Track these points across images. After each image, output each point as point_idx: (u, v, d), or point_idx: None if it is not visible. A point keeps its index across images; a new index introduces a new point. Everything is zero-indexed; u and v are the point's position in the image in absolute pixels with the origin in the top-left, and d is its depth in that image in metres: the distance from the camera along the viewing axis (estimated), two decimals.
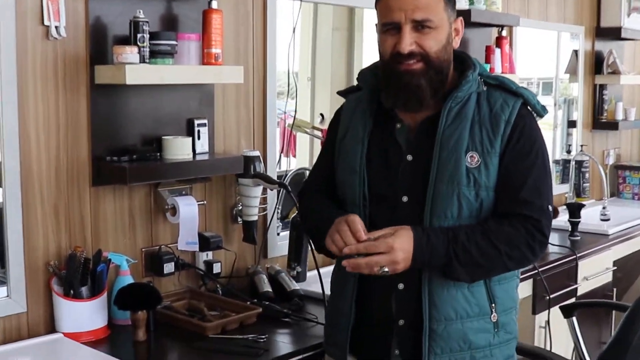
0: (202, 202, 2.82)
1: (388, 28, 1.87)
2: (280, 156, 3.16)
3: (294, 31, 3.07)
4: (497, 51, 4.04)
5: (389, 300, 1.93)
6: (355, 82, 2.11)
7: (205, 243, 2.78)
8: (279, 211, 3.13)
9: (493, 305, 1.90)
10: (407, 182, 1.89)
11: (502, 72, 4.06)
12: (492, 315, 1.91)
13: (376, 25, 1.99)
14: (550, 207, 1.88)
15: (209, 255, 2.85)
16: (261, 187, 2.88)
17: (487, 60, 3.98)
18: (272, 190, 2.97)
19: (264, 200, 3.03)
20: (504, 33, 4.17)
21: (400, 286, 1.91)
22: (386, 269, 1.78)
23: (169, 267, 2.70)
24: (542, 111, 1.96)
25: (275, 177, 2.98)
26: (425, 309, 1.87)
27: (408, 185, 1.89)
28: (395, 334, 1.93)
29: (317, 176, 2.14)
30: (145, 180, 2.53)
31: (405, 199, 1.89)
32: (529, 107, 1.93)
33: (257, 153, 2.86)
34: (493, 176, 1.86)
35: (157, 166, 2.53)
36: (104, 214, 2.57)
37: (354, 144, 1.97)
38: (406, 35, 1.83)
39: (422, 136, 1.91)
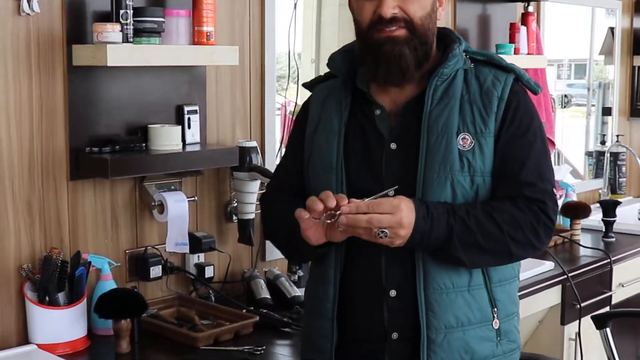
0: (192, 199, 2.83)
1: None
2: (280, 147, 3.17)
3: (295, 7, 3.07)
4: (523, 29, 4.05)
5: (378, 311, 1.89)
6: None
7: (196, 244, 2.79)
8: None
9: (495, 310, 1.91)
10: (393, 174, 1.89)
11: (529, 53, 4.07)
12: (494, 322, 1.91)
13: None
14: (554, 190, 1.90)
15: (200, 257, 2.86)
16: (258, 182, 2.88)
17: (511, 39, 3.99)
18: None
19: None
20: (531, 8, 4.17)
21: (392, 293, 1.88)
22: (386, 231, 1.76)
23: (155, 271, 2.71)
24: (535, 87, 1.97)
25: (274, 171, 2.99)
26: (423, 316, 1.84)
27: (394, 177, 1.88)
28: (387, 351, 1.90)
29: (282, 178, 2.10)
30: (129, 173, 2.54)
31: (392, 192, 1.87)
32: (521, 84, 1.95)
33: (254, 144, 2.87)
34: (489, 159, 1.87)
35: (143, 158, 2.54)
36: (83, 212, 2.58)
37: (329, 137, 1.95)
38: None
39: (406, 121, 1.91)
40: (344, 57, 2.00)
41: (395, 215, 1.77)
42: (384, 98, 1.94)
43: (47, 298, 2.40)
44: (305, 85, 2.15)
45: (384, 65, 1.87)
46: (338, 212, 1.80)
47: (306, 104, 2.08)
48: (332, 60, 2.03)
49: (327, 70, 2.05)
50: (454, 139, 1.86)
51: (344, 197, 1.82)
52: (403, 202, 1.78)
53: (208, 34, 2.61)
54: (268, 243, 3.08)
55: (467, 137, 1.87)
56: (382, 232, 1.77)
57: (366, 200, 1.80)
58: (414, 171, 1.86)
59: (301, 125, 2.05)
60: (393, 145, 1.91)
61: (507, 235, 1.83)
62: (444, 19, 3.85)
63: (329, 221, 1.82)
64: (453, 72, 1.91)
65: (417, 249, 1.84)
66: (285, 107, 3.64)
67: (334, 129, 1.95)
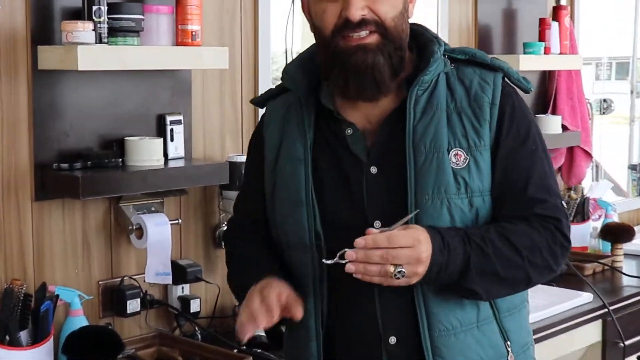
0: (176, 221, 2.82)
1: None
2: None
3: (293, 2, 3.06)
4: (554, 25, 4.03)
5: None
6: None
7: (180, 274, 2.78)
8: None
9: (508, 343, 1.88)
10: (377, 203, 1.83)
11: (561, 53, 4.05)
12: (509, 357, 1.88)
13: None
14: (563, 203, 1.89)
15: (185, 289, 2.85)
16: None
17: (541, 37, 3.97)
18: None
19: None
20: (563, 1, 4.16)
21: (392, 340, 1.83)
22: (404, 270, 1.68)
23: (133, 305, 2.69)
24: (527, 85, 1.93)
25: (235, 199, 2.97)
26: None
27: (379, 206, 1.83)
28: None
29: (244, 210, 2.05)
30: (103, 193, 2.53)
31: (378, 224, 1.81)
32: (511, 83, 1.91)
33: None
34: (487, 176, 1.83)
35: (119, 175, 2.53)
36: (49, 237, 2.56)
37: (294, 166, 1.88)
38: None
39: (384, 139, 1.85)
40: (302, 69, 1.93)
41: (415, 250, 1.70)
42: (354, 114, 1.87)
43: (7, 337, 2.37)
44: (253, 101, 2.09)
45: (354, 78, 1.80)
46: (340, 252, 1.72)
47: (260, 126, 2.01)
48: (287, 73, 1.96)
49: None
50: (446, 157, 1.81)
51: (274, 309, 1.77)
52: (421, 233, 1.72)
53: (193, 33, 2.60)
54: None
55: (459, 152, 1.82)
56: (400, 272, 1.69)
57: (383, 230, 1.72)
58: (403, 198, 1.80)
59: (258, 154, 1.98)
60: (373, 169, 1.84)
61: (526, 261, 1.80)
62: (464, 15, 3.85)
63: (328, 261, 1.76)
64: (434, 78, 1.87)
65: (427, 284, 1.79)
66: None
67: (299, 156, 1.87)
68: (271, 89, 2.05)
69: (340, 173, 1.87)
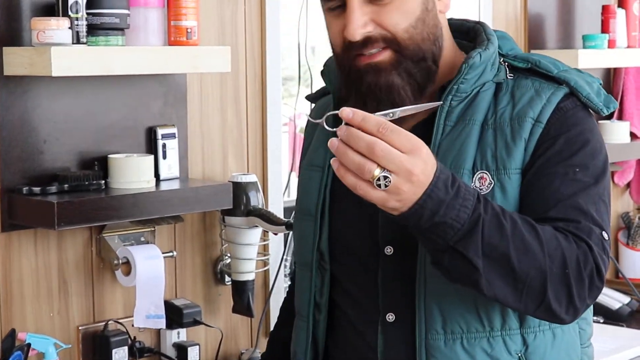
0: (170, 254, 2.82)
1: (329, 5, 1.82)
2: (289, 179, 3.17)
3: None
4: (620, 14, 4.02)
5: None
6: None
7: (175, 316, 2.78)
8: (287, 265, 3.11)
9: None
10: (390, 226, 1.84)
11: (629, 46, 4.04)
12: None
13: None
14: (607, 236, 1.79)
15: (181, 334, 2.84)
16: (260, 230, 2.87)
17: (604, 28, 3.96)
18: (275, 234, 2.95)
19: (263, 250, 3.00)
20: None
21: None
22: (390, 178, 1.57)
23: (120, 354, 2.69)
24: (600, 105, 1.86)
25: (281, 215, 2.96)
26: None
27: (392, 231, 1.84)
28: None
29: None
30: (83, 222, 2.52)
31: (389, 250, 1.85)
32: (579, 100, 1.86)
33: (253, 178, 2.86)
34: (513, 204, 1.81)
35: (102, 200, 2.52)
36: (19, 275, 2.56)
37: (312, 173, 1.95)
38: (355, 12, 1.77)
39: None
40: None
41: (411, 159, 1.57)
42: None
43: None
44: (309, 98, 2.13)
45: (372, 99, 1.81)
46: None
47: (308, 120, 2.07)
48: (328, 67, 1.99)
49: None
50: (469, 178, 1.80)
51: None
52: (425, 146, 1.60)
53: (189, 30, 2.60)
54: (274, 313, 3.05)
55: (485, 176, 1.81)
56: (385, 177, 1.56)
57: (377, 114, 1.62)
58: None
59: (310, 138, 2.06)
60: None
61: (547, 261, 1.70)
62: (511, 3, 3.84)
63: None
64: (477, 87, 1.86)
65: (418, 234, 1.69)
66: (294, 121, 3.63)
67: (318, 163, 1.93)
68: (325, 87, 2.08)
69: None
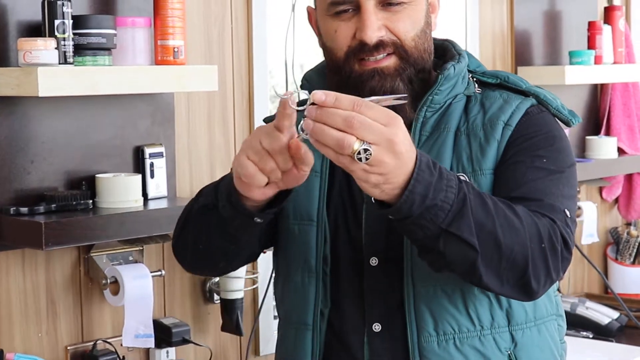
0: (158, 273, 2.82)
1: (339, 9, 1.86)
2: None
3: (293, 9, 3.08)
4: (606, 30, 4.04)
5: None
6: None
7: (164, 335, 2.78)
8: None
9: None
10: (374, 237, 1.89)
11: (615, 62, 4.05)
12: None
13: (311, 9, 1.97)
14: (570, 214, 1.82)
15: (170, 353, 2.84)
16: None
17: (591, 44, 3.98)
18: (264, 252, 2.94)
19: (252, 268, 3.00)
20: (617, 1, 4.17)
21: None
22: (370, 150, 1.54)
23: None
24: (568, 117, 1.94)
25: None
26: None
27: (376, 241, 1.88)
28: None
29: None
30: (71, 242, 2.51)
31: (374, 261, 1.88)
32: (548, 111, 1.94)
33: None
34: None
35: (89, 220, 2.52)
36: (7, 295, 2.56)
37: (310, 179, 1.87)
38: (371, 16, 1.83)
39: None
40: (322, 78, 1.99)
41: (392, 128, 1.55)
42: None
43: None
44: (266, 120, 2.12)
45: None
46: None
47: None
48: (308, 80, 2.03)
49: None
50: None
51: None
52: (401, 121, 1.58)
53: (176, 49, 2.61)
54: (263, 332, 3.05)
55: (462, 178, 1.85)
56: (366, 150, 1.53)
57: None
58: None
59: None
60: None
61: (527, 234, 1.71)
62: (497, 19, 3.86)
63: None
64: (449, 99, 1.92)
65: (408, 224, 1.66)
66: None
67: (315, 168, 1.91)
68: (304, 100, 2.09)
69: (348, 195, 1.93)
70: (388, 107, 1.59)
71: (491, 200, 1.70)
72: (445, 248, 1.66)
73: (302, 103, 1.57)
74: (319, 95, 1.54)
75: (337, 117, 1.53)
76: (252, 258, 2.04)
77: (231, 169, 1.73)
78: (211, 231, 1.84)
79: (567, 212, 1.81)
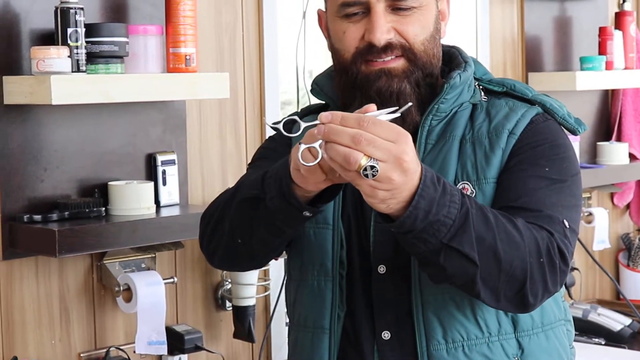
0: (171, 280, 2.83)
1: (349, 11, 1.87)
2: None
3: (304, 16, 3.09)
4: (617, 35, 4.03)
5: None
6: None
7: (177, 342, 2.78)
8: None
9: None
10: (382, 245, 1.89)
11: (626, 67, 4.05)
12: None
13: (321, 12, 1.99)
14: (569, 224, 1.82)
15: None
16: None
17: (602, 49, 3.97)
18: (276, 259, 2.95)
19: (264, 275, 3.01)
20: (628, 6, 4.16)
21: None
22: (377, 167, 1.55)
23: None
24: (575, 126, 1.96)
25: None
26: None
27: (383, 247, 1.89)
28: None
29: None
30: (84, 249, 2.52)
31: (382, 269, 1.89)
32: (555, 120, 1.94)
33: None
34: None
35: (102, 228, 2.53)
36: (20, 302, 2.57)
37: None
38: (381, 19, 1.84)
39: None
40: (330, 82, 2.01)
41: (400, 145, 1.57)
42: None
43: None
44: (302, 113, 2.11)
45: (378, 105, 1.78)
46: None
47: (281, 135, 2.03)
48: (319, 85, 2.04)
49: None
50: None
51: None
52: (408, 136, 1.59)
53: (187, 57, 2.62)
54: (275, 338, 3.05)
55: (466, 186, 1.87)
56: (372, 167, 1.55)
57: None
58: None
59: (284, 146, 1.98)
60: None
61: (527, 249, 1.72)
62: (508, 25, 3.86)
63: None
64: (455, 107, 1.93)
65: (410, 238, 1.67)
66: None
67: None
68: (312, 105, 2.11)
69: (359, 202, 1.92)
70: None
71: (492, 214, 1.71)
72: (445, 262, 1.68)
73: (289, 128, 1.62)
74: (325, 116, 1.57)
75: (345, 134, 1.55)
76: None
77: (288, 159, 1.71)
78: (255, 224, 1.82)
79: (566, 223, 1.81)
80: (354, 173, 1.56)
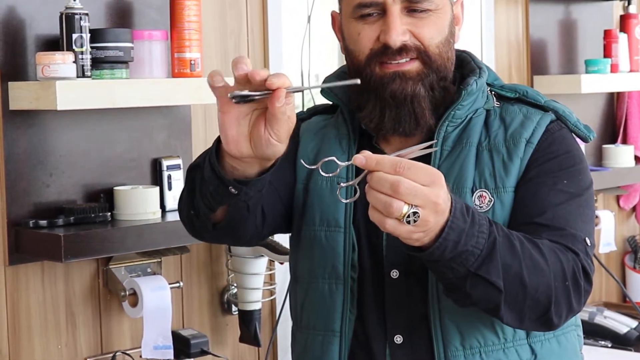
0: (176, 285, 2.83)
1: (364, 12, 1.88)
2: None
3: (309, 21, 3.09)
4: (623, 38, 4.03)
5: None
6: None
7: (183, 346, 2.78)
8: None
9: None
10: (394, 250, 1.89)
11: (632, 70, 4.05)
12: None
13: (335, 14, 1.99)
14: (590, 242, 1.84)
15: None
16: (266, 260, 2.88)
17: (607, 52, 3.97)
18: (282, 264, 2.96)
19: (270, 279, 3.01)
20: (633, 9, 4.16)
21: None
22: (419, 213, 1.57)
23: None
24: (585, 133, 1.96)
25: (286, 244, 2.96)
26: None
27: (397, 254, 1.89)
28: None
29: None
30: (89, 254, 2.54)
31: (395, 273, 1.90)
32: (566, 127, 1.95)
33: None
34: (509, 214, 1.87)
35: (108, 232, 2.53)
36: (27, 307, 2.57)
37: (335, 184, 1.95)
38: (396, 20, 1.84)
39: None
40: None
41: (435, 189, 1.59)
42: (386, 145, 1.96)
43: None
44: (314, 110, 2.14)
45: (392, 109, 1.87)
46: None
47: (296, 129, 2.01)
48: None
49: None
50: (469, 198, 1.86)
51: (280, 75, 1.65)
52: (439, 174, 1.61)
53: (192, 62, 2.62)
54: (281, 342, 3.05)
55: (484, 194, 1.87)
56: (415, 214, 1.57)
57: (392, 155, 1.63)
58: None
59: (291, 147, 1.95)
60: None
61: (552, 274, 1.74)
62: (512, 28, 3.86)
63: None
64: (470, 113, 1.93)
65: (439, 266, 1.69)
66: None
67: (342, 175, 1.94)
68: (318, 105, 2.12)
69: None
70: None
71: (518, 240, 1.73)
72: (471, 289, 1.70)
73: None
74: (360, 159, 1.58)
75: (385, 182, 1.56)
76: (251, 240, 1.99)
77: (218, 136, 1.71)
78: (196, 193, 1.81)
79: (587, 241, 1.83)
80: (395, 220, 1.58)
